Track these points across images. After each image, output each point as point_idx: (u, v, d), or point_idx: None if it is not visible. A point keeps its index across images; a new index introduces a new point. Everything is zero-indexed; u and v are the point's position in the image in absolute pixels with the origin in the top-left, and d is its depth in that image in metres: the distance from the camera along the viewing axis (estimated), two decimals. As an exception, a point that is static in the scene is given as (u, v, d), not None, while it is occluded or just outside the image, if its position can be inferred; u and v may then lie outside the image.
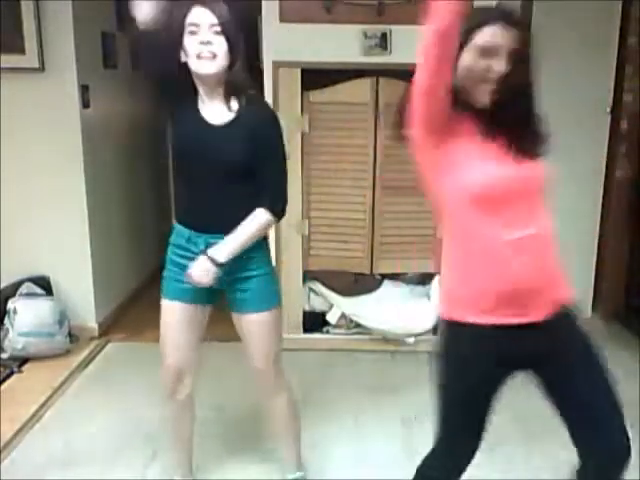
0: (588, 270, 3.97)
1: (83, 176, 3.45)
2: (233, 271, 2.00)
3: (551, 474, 2.33)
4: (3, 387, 3.09)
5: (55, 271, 3.54)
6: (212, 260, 1.93)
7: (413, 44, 3.54)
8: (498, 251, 1.48)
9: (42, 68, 3.30)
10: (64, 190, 3.46)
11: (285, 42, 3.21)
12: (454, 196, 1.51)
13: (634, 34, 3.64)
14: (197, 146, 1.95)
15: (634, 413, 2.87)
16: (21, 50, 3.25)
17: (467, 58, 1.48)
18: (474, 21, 1.48)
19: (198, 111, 1.96)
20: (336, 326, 3.58)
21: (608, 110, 3.77)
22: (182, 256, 2.03)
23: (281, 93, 3.26)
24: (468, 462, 1.67)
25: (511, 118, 1.51)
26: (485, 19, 1.48)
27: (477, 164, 1.49)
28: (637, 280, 3.89)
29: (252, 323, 2.08)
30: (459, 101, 1.50)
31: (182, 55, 1.91)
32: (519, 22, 1.52)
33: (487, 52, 1.47)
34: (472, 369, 1.58)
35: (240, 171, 1.94)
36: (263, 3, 3.19)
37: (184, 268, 1.99)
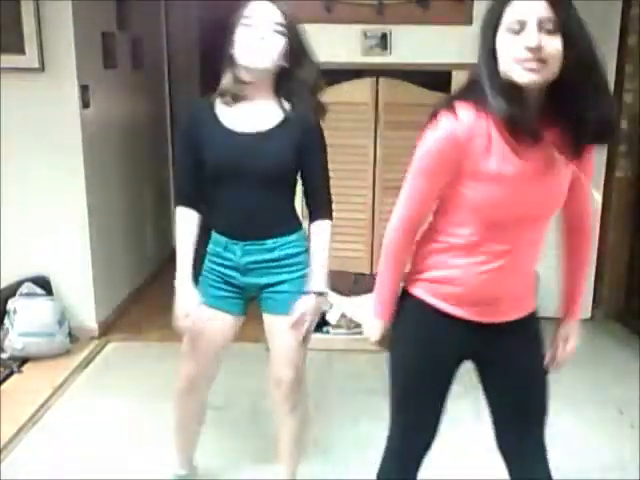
0: (588, 270, 3.96)
1: (83, 176, 3.44)
2: (267, 277, 2.00)
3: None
4: (3, 387, 3.09)
5: (55, 271, 3.54)
6: (319, 294, 1.98)
7: (413, 44, 3.54)
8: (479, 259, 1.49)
9: (42, 68, 3.29)
10: (64, 190, 3.45)
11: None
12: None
13: (634, 34, 3.64)
14: (231, 159, 1.90)
15: (634, 413, 2.87)
16: (21, 50, 3.25)
17: (501, 39, 1.35)
18: None
19: (219, 121, 1.91)
20: (336, 326, 3.58)
21: (608, 110, 3.77)
22: (219, 264, 2.02)
23: (281, 93, 3.26)
24: (421, 459, 1.67)
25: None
26: None
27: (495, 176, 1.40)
28: (637, 280, 3.89)
29: (281, 325, 2.02)
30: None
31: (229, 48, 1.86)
32: None
33: (517, 29, 1.32)
34: (434, 351, 1.59)
35: (278, 179, 1.93)
36: (263, 3, 3.19)
37: (221, 276, 2.02)
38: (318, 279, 1.98)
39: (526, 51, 1.31)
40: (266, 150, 1.88)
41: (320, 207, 1.99)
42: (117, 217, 3.98)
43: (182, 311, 1.99)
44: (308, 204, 2.01)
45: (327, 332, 3.59)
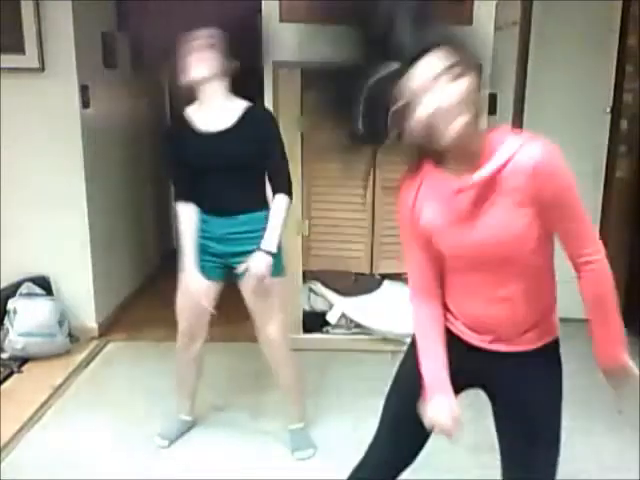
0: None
1: (83, 176, 3.44)
2: (238, 246, 2.34)
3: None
4: (3, 387, 3.09)
5: (55, 271, 3.54)
6: (268, 253, 2.29)
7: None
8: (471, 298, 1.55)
9: (42, 68, 3.30)
10: (64, 190, 3.45)
11: (285, 42, 3.21)
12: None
13: (634, 34, 3.64)
14: (200, 158, 2.29)
15: (634, 414, 2.87)
16: (21, 50, 3.25)
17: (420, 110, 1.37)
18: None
19: (191, 127, 2.29)
20: (336, 326, 3.58)
21: (608, 110, 3.77)
22: (201, 236, 2.38)
23: (281, 93, 3.26)
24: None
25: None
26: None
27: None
28: (637, 280, 3.89)
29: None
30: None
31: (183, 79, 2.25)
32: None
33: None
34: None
35: (239, 169, 2.31)
36: (263, 3, 3.19)
37: (203, 246, 2.37)
38: (269, 240, 2.31)
39: None
40: (224, 147, 2.27)
41: (279, 187, 2.35)
42: (117, 217, 3.98)
43: (192, 288, 2.37)
44: (271, 185, 2.37)
45: (327, 332, 3.59)
